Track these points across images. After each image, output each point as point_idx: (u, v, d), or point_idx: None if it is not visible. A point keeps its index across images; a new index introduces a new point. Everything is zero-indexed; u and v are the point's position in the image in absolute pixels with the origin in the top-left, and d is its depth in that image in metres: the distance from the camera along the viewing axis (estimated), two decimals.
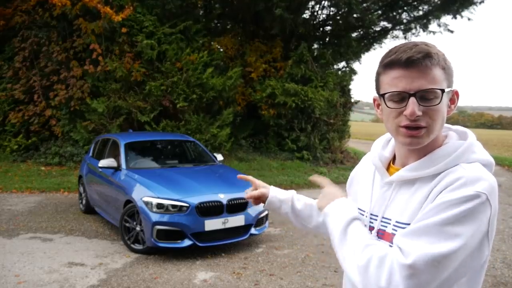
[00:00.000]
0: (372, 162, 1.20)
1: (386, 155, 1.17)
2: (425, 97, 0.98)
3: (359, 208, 1.20)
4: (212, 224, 4.94)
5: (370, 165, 1.23)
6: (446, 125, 1.10)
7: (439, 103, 0.98)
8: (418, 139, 1.01)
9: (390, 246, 1.03)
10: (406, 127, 1.00)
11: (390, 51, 1.02)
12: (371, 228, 1.14)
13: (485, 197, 0.94)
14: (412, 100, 0.97)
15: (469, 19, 13.00)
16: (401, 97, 0.99)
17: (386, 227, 1.09)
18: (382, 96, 1.03)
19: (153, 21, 10.88)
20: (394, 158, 1.18)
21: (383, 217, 1.10)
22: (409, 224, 1.01)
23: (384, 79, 1.03)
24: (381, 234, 1.10)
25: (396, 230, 1.05)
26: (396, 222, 1.06)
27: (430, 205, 0.96)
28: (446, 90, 0.99)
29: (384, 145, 1.21)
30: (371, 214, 1.15)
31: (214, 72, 10.98)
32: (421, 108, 0.98)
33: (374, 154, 1.20)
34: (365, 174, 1.25)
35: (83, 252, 5.05)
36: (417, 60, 0.96)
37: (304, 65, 12.18)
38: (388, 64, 1.01)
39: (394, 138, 1.11)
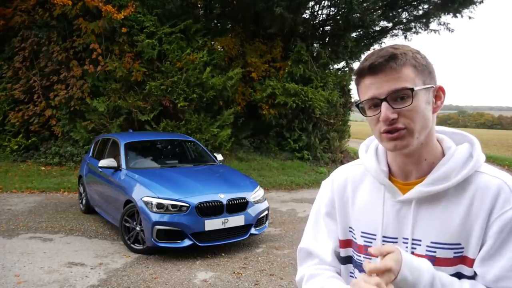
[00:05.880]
0: (379, 182, 1.09)
1: (384, 169, 1.09)
2: (397, 98, 0.96)
3: (363, 232, 1.12)
4: (212, 224, 4.94)
5: (368, 180, 1.13)
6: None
7: (411, 102, 0.95)
8: (401, 141, 0.97)
9: None
10: (386, 132, 0.98)
11: (363, 59, 1.02)
12: None
13: None
14: (384, 104, 0.96)
15: (469, 17, 13.01)
16: (375, 104, 0.99)
17: (415, 248, 1.04)
18: (358, 105, 1.04)
19: (154, 21, 10.88)
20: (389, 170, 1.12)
21: (413, 239, 1.04)
22: (455, 244, 0.99)
23: (360, 89, 1.03)
24: None
25: (435, 251, 1.01)
26: (432, 243, 1.01)
27: (494, 231, 0.95)
28: (417, 88, 0.96)
29: (375, 158, 1.12)
30: (384, 237, 1.08)
31: (214, 72, 10.98)
32: (396, 111, 0.96)
33: (375, 171, 1.10)
34: (364, 191, 1.14)
35: (83, 252, 5.05)
36: (381, 64, 0.96)
37: (303, 65, 12.16)
38: (357, 73, 1.01)
39: (381, 145, 1.08)
